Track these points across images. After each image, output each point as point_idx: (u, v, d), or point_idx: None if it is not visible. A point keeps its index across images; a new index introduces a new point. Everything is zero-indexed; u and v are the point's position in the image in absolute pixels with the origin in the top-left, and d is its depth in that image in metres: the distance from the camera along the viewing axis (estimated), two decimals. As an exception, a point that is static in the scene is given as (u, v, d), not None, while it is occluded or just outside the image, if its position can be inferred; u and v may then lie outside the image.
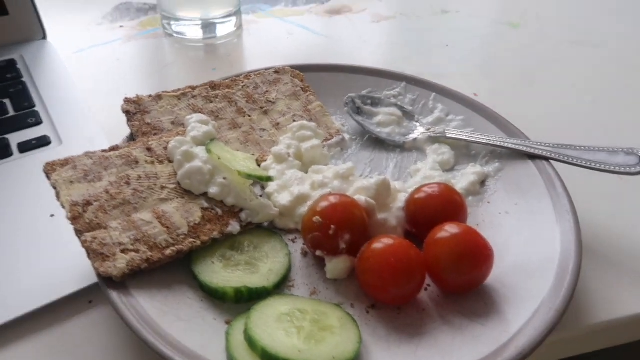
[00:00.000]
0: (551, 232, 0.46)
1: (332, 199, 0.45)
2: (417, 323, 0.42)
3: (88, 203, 0.43)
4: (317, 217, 0.43)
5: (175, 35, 0.83)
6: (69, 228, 0.43)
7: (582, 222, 0.47)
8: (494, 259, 0.42)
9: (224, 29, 0.84)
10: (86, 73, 0.74)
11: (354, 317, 0.41)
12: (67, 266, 0.45)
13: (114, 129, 0.61)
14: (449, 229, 0.43)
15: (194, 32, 0.82)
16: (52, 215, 0.50)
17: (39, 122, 0.61)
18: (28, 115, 0.61)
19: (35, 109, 0.63)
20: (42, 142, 0.58)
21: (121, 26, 0.88)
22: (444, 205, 0.47)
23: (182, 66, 0.78)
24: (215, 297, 0.42)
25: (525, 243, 0.47)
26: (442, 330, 0.40)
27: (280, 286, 0.44)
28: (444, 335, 0.40)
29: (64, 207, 0.42)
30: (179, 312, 0.40)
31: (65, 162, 0.45)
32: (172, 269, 0.44)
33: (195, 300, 0.42)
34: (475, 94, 0.73)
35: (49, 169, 0.44)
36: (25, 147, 0.57)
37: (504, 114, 0.60)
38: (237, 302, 0.42)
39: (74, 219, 0.42)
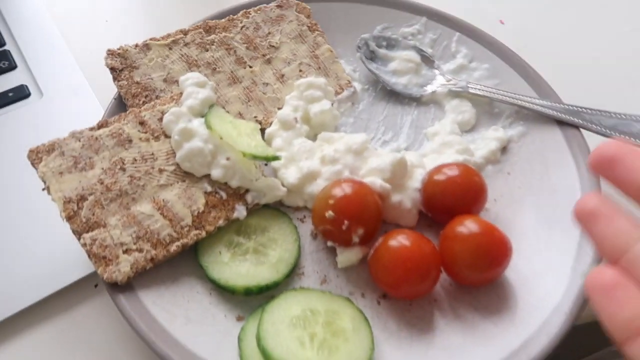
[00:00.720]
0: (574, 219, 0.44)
1: (346, 188, 0.42)
2: (428, 316, 0.41)
3: (82, 198, 0.40)
4: (330, 212, 0.41)
5: None
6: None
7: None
8: (512, 255, 0.41)
9: None
10: (56, 2, 0.64)
11: (365, 309, 0.41)
12: (68, 249, 0.44)
13: (97, 73, 0.55)
14: (469, 225, 0.41)
15: None
16: (43, 189, 0.47)
17: (12, 67, 0.54)
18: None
19: (6, 48, 0.55)
20: (21, 93, 0.52)
21: None
22: (464, 191, 0.44)
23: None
24: (224, 290, 0.41)
25: (544, 228, 0.45)
26: (454, 327, 0.41)
27: (290, 275, 0.43)
28: (455, 335, 0.40)
29: (56, 204, 0.39)
30: (188, 312, 0.40)
31: (51, 148, 0.41)
32: (178, 258, 0.42)
33: (204, 295, 0.41)
34: (502, 21, 0.65)
35: (34, 158, 0.40)
36: (1, 100, 0.52)
37: (533, 50, 0.54)
38: (246, 296, 0.41)
39: (69, 219, 0.39)
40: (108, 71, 0.50)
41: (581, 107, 0.49)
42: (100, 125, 0.43)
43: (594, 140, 0.48)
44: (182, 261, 0.42)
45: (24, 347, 0.41)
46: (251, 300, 0.41)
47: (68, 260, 0.43)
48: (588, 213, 0.32)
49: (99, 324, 0.42)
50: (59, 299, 0.43)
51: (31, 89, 0.53)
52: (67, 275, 0.43)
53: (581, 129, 0.48)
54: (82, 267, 0.43)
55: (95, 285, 0.44)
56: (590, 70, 0.60)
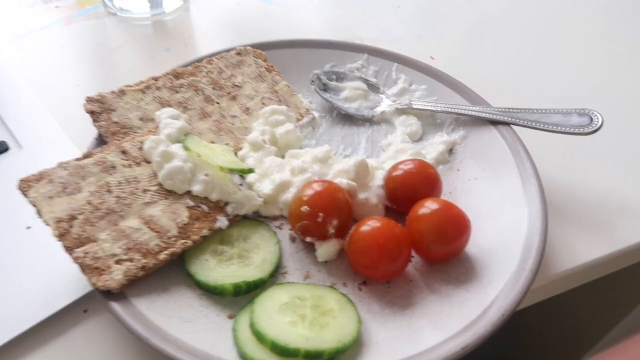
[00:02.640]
0: (518, 195, 0.50)
1: (317, 187, 0.46)
2: (406, 295, 0.45)
3: (72, 217, 0.42)
4: (305, 207, 0.45)
5: (119, 13, 0.79)
6: (50, 239, 0.43)
7: (543, 179, 0.51)
8: (471, 228, 0.46)
9: (172, 2, 0.80)
10: (30, 64, 0.70)
11: (349, 296, 0.44)
12: (56, 278, 0.45)
13: (73, 125, 0.59)
14: (429, 205, 0.45)
15: (141, 7, 0.78)
16: (28, 228, 0.49)
17: (-9, 127, 0.58)
18: (-22, 121, 0.58)
19: (-16, 112, 0.59)
20: (0, 148, 0.55)
21: (57, 6, 0.82)
22: (421, 181, 0.49)
23: (133, 48, 0.75)
24: (213, 294, 0.43)
25: (495, 207, 0.50)
26: (431, 300, 0.44)
27: (275, 274, 0.45)
28: (433, 305, 0.43)
29: (48, 225, 0.42)
30: (181, 314, 0.41)
31: (40, 177, 0.43)
32: (166, 270, 0.44)
33: (194, 299, 0.43)
34: (432, 57, 0.74)
35: (24, 186, 0.43)
36: (-18, 155, 0.55)
37: (463, 76, 0.62)
38: (235, 296, 0.43)
39: (61, 236, 0.41)
40: (84, 123, 0.55)
41: (508, 108, 0.57)
42: (85, 156, 0.46)
43: (522, 133, 0.55)
44: (171, 272, 0.44)
45: (17, 375, 0.41)
46: (240, 300, 0.44)
47: (55, 288, 0.45)
48: None
49: (91, 348, 0.43)
50: (49, 327, 0.43)
51: (10, 143, 0.56)
52: (55, 303, 0.44)
53: (511, 125, 0.56)
54: (69, 294, 0.45)
55: (85, 311, 0.45)
56: (508, 88, 0.69)
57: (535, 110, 0.56)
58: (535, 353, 0.79)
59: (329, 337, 0.38)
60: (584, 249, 0.51)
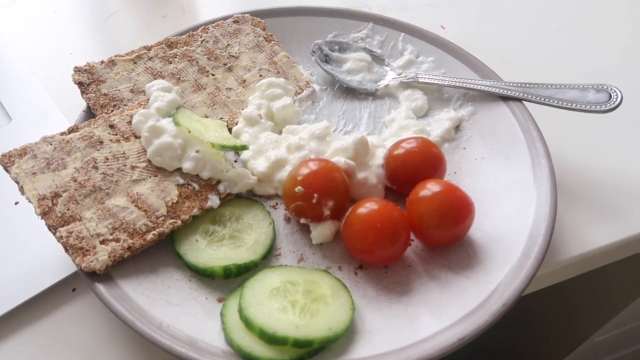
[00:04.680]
0: (526, 177, 0.47)
1: (312, 166, 0.44)
2: (404, 280, 0.43)
3: (56, 195, 0.40)
4: (300, 187, 0.43)
5: (115, -22, 0.75)
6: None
7: (555, 159, 0.48)
8: (475, 212, 0.43)
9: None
10: (21, 31, 0.67)
11: (344, 280, 0.42)
12: (44, 256, 0.44)
13: (65, 97, 0.57)
14: (431, 187, 0.43)
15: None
16: (16, 203, 0.47)
17: (-20, 98, 0.56)
18: (-34, 91, 0.56)
19: (-27, 82, 0.57)
20: (-11, 120, 0.54)
21: (51, -30, 0.78)
22: (423, 161, 0.46)
23: (129, 15, 0.72)
24: (203, 276, 0.42)
25: (503, 189, 0.48)
26: (430, 287, 0.42)
27: (268, 256, 0.44)
28: (431, 292, 0.42)
29: (30, 202, 0.40)
30: (169, 296, 0.40)
31: (23, 152, 0.42)
32: (155, 251, 0.43)
33: (183, 281, 0.42)
34: (443, 26, 0.70)
35: (7, 162, 0.41)
36: (-30, 127, 0.53)
37: (474, 48, 0.59)
38: (226, 279, 0.42)
39: (44, 214, 0.39)
40: (77, 95, 0.52)
41: (521, 83, 0.54)
42: (70, 130, 0.44)
43: (535, 109, 0.52)
44: (159, 253, 0.43)
45: (3, 354, 0.40)
46: (231, 283, 0.42)
47: (43, 266, 0.43)
48: None
49: (78, 327, 0.42)
50: (36, 305, 0.42)
51: (-1, 114, 0.54)
52: (43, 281, 0.43)
53: (523, 101, 0.53)
54: (57, 272, 0.43)
55: (73, 289, 0.44)
56: (522, 61, 0.65)
57: (549, 86, 0.52)
58: (537, 336, 0.78)
59: (320, 325, 0.37)
60: (596, 234, 0.48)
